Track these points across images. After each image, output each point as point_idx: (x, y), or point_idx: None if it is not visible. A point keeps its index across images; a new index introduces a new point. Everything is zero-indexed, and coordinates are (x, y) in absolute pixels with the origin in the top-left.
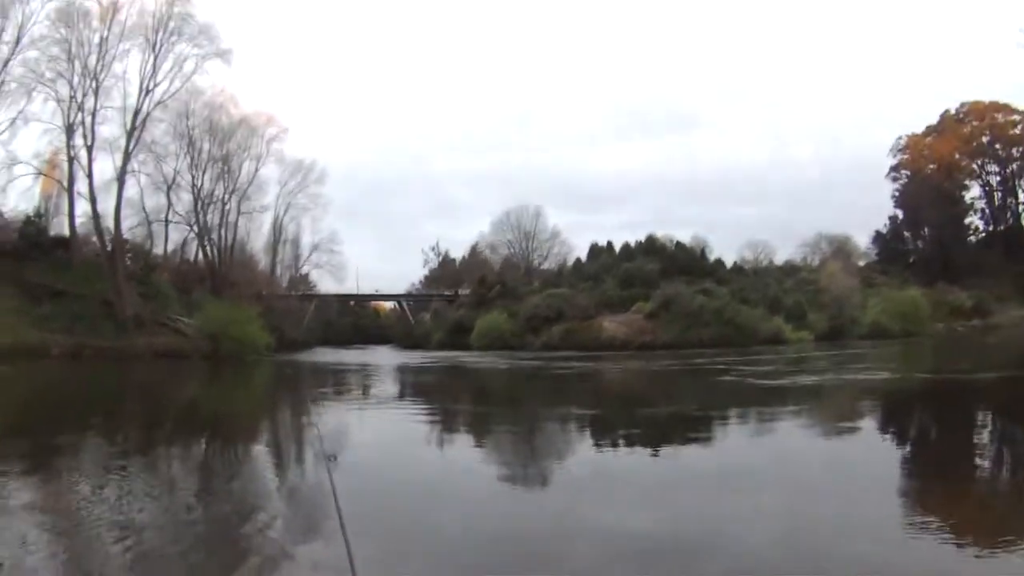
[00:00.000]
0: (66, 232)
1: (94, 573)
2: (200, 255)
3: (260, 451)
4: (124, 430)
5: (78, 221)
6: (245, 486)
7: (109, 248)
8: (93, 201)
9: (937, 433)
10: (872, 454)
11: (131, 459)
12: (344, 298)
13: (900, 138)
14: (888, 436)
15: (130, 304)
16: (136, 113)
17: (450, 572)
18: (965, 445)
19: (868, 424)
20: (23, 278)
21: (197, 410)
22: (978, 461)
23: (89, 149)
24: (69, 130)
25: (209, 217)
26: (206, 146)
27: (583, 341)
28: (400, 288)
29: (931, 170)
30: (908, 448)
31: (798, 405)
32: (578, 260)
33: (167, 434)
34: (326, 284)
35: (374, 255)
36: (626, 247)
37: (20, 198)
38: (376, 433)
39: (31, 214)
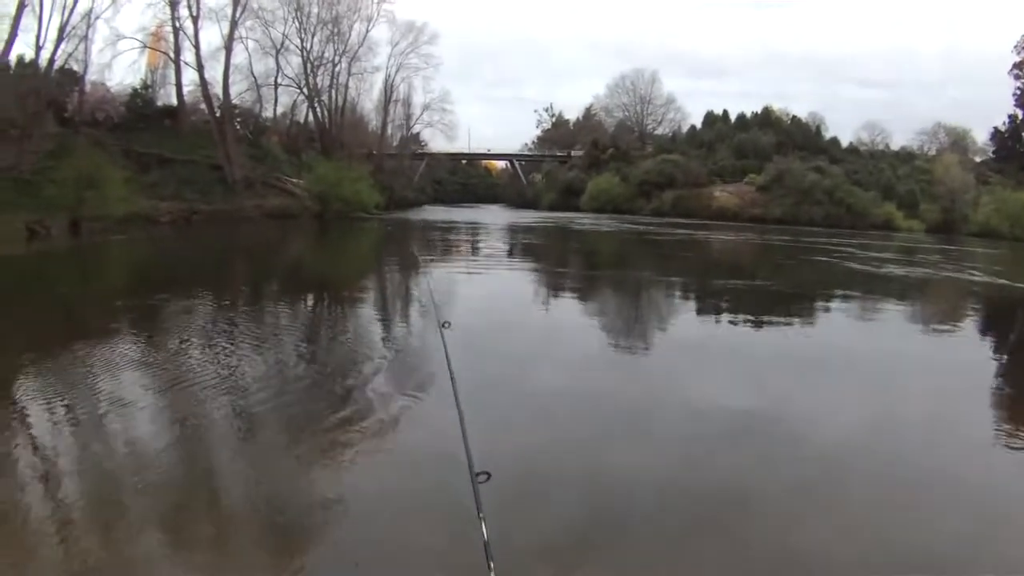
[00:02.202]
0: (174, 102)
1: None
2: (310, 117)
3: (371, 311)
4: (237, 289)
5: (186, 90)
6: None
7: (218, 114)
8: (200, 69)
9: None
10: (967, 359)
11: (249, 316)
12: (455, 157)
13: None
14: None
15: (239, 167)
16: None
17: (545, 430)
18: None
19: (971, 328)
20: (132, 149)
21: (309, 270)
22: None
23: (195, 19)
24: (173, 2)
25: (319, 79)
26: (315, 9)
27: (693, 209)
28: (512, 148)
29: None
30: (1003, 358)
31: (907, 298)
32: (692, 127)
33: (281, 293)
34: (437, 143)
35: (486, 115)
36: (741, 117)
37: (126, 72)
38: (484, 293)
39: (137, 87)
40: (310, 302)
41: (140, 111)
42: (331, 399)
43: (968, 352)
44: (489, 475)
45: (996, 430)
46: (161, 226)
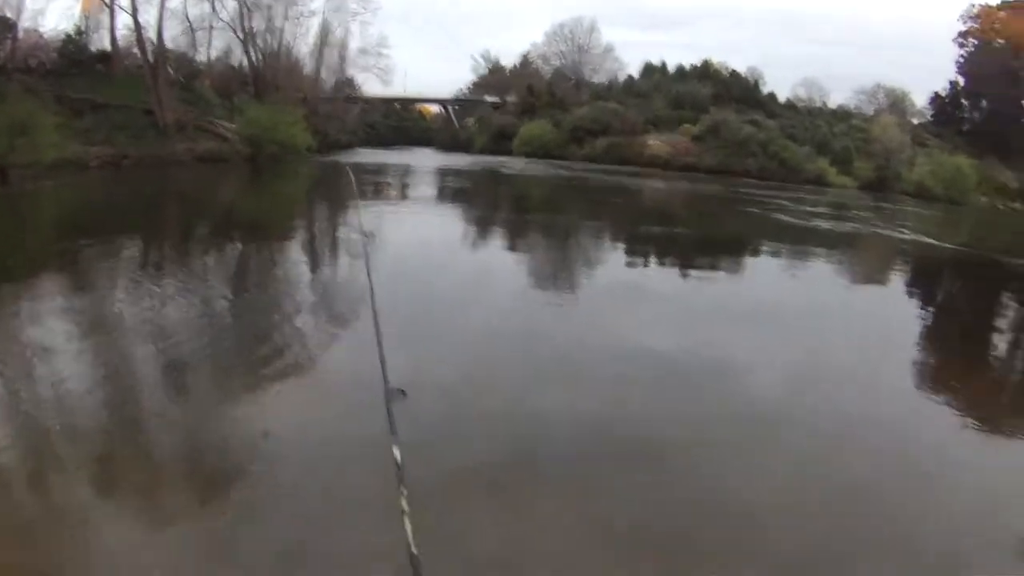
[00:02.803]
0: (108, 47)
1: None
2: (244, 61)
3: (300, 253)
4: (166, 233)
5: (120, 35)
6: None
7: (151, 59)
8: (135, 12)
9: (960, 307)
10: (893, 313)
11: (178, 259)
12: (389, 101)
13: (973, 5)
14: (915, 299)
15: (171, 111)
16: None
17: (469, 366)
18: (987, 325)
19: (897, 284)
20: (65, 95)
21: (239, 213)
22: (995, 344)
23: None
24: None
25: (254, 23)
26: None
27: (626, 156)
28: (447, 93)
29: (1000, 45)
30: (932, 315)
31: (836, 252)
32: (630, 77)
33: (210, 236)
34: (372, 87)
35: (422, 60)
36: (680, 69)
37: (60, 18)
38: (412, 234)
39: (71, 33)
40: (240, 244)
41: (73, 57)
42: (257, 337)
43: (893, 307)
44: (404, 393)
45: (917, 381)
46: (92, 171)
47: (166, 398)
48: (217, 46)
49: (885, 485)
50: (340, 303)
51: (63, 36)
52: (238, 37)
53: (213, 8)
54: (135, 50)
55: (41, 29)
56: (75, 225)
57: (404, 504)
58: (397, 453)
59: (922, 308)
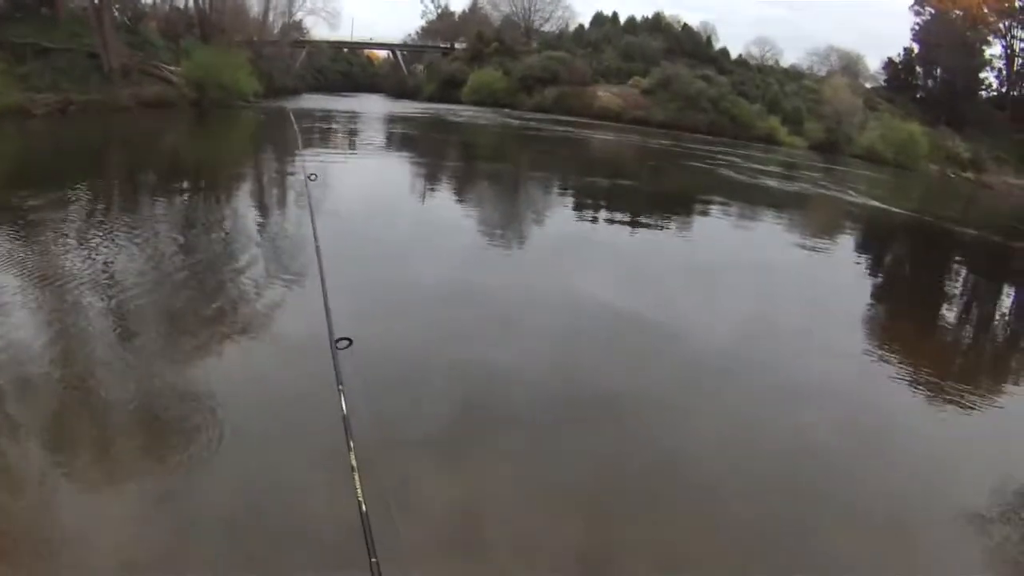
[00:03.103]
0: None
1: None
2: (190, 3)
3: (247, 201)
4: (112, 182)
5: None
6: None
7: (96, 0)
8: None
9: (908, 272)
10: (833, 270)
11: (124, 210)
12: (337, 45)
13: None
14: (853, 257)
15: (116, 55)
16: None
17: (415, 317)
18: (936, 290)
19: (840, 242)
20: (6, 40)
21: (186, 160)
22: (942, 310)
23: None
24: None
25: None
26: None
27: (576, 107)
28: (396, 38)
29: (956, 16)
30: (878, 277)
31: (783, 210)
32: (580, 27)
33: (156, 185)
34: (320, 31)
35: (370, 4)
36: (631, 20)
37: None
38: (358, 183)
39: None
40: (186, 193)
41: (16, 0)
42: (204, 290)
43: (841, 269)
44: (351, 341)
45: (866, 343)
46: (36, 119)
47: (117, 351)
48: None
49: (832, 447)
50: (285, 254)
51: None
52: None
53: None
54: None
55: None
56: (19, 175)
57: (353, 460)
58: (344, 405)
59: (871, 271)
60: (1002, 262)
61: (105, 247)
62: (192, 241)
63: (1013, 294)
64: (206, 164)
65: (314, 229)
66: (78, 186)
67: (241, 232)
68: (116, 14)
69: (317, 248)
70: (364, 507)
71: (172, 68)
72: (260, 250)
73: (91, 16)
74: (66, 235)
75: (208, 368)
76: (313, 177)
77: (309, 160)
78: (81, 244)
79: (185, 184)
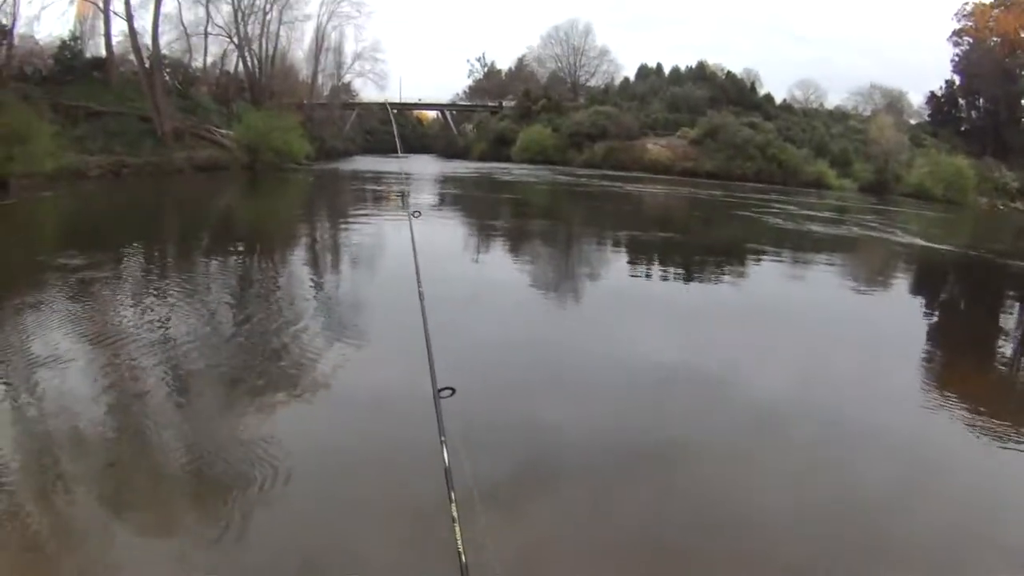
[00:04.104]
0: (102, 53)
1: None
2: (240, 67)
3: (304, 263)
4: (168, 244)
5: (115, 40)
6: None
7: (147, 64)
8: (130, 18)
9: (960, 310)
10: (892, 315)
11: (182, 272)
12: (386, 107)
13: (967, 3)
14: (912, 300)
15: (168, 118)
16: None
17: (476, 375)
18: (990, 328)
19: (897, 286)
20: (60, 103)
21: (241, 223)
22: (998, 347)
23: None
24: None
25: (249, 28)
26: None
27: (625, 161)
28: (444, 98)
29: (994, 43)
30: (933, 318)
31: (834, 256)
32: (626, 79)
33: (211, 247)
34: (369, 93)
35: (418, 64)
36: (675, 71)
37: (55, 24)
38: (410, 243)
39: (66, 39)
40: (243, 256)
41: (69, 63)
42: (274, 349)
43: (895, 311)
44: (453, 390)
45: (922, 384)
46: (90, 180)
47: (193, 410)
48: (213, 51)
49: (893, 492)
50: (347, 311)
51: (59, 43)
52: (233, 42)
53: (208, 13)
54: (131, 56)
55: (36, 35)
56: (75, 236)
57: (454, 510)
58: (446, 457)
59: (924, 312)
60: None
61: (164, 307)
62: (253, 304)
63: None
64: (261, 226)
65: (417, 270)
66: (135, 248)
67: (299, 295)
68: (167, 78)
69: (420, 294)
70: (464, 558)
71: (224, 132)
72: (325, 306)
73: (142, 80)
74: (125, 294)
75: (279, 421)
76: (417, 214)
77: (366, 222)
78: (146, 304)
79: (241, 248)
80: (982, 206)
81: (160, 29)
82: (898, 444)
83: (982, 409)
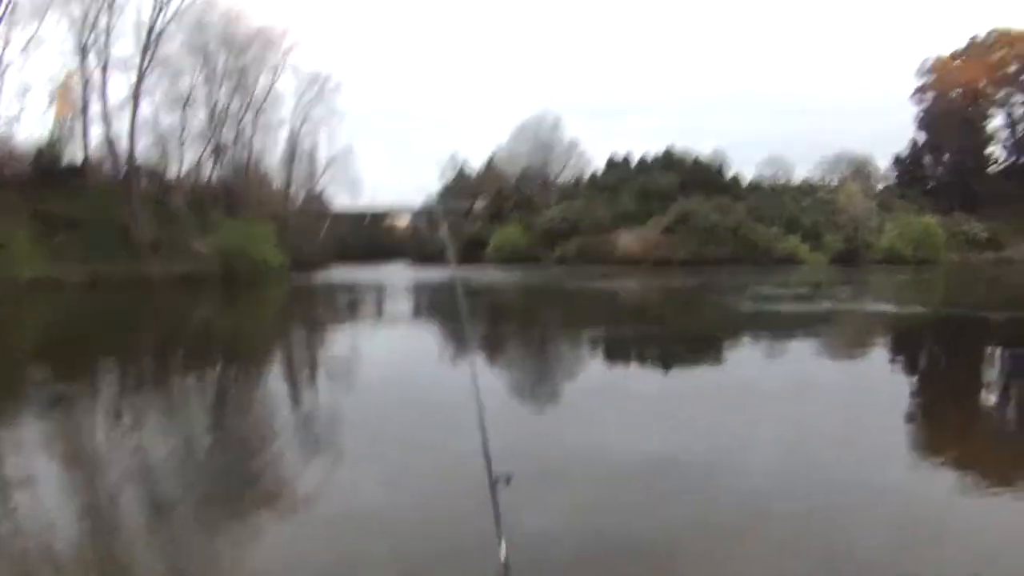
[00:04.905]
0: (80, 157)
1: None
2: (215, 174)
3: (282, 376)
4: (142, 361)
5: (93, 144)
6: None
7: (124, 172)
8: (107, 124)
9: (938, 371)
10: (875, 384)
11: (158, 386)
12: (360, 214)
13: (927, 60)
14: (891, 367)
15: (146, 228)
16: (150, 29)
17: (459, 485)
18: (970, 384)
19: (876, 355)
20: (38, 209)
21: (218, 336)
22: (980, 403)
23: (103, 69)
24: (83, 51)
25: (225, 133)
26: (221, 60)
27: (599, 255)
28: (415, 202)
29: (956, 95)
30: (911, 381)
31: (813, 330)
32: (594, 173)
33: (188, 361)
34: (341, 199)
35: (389, 168)
36: (643, 160)
37: (34, 125)
38: (388, 353)
39: (45, 142)
40: (220, 370)
41: (46, 169)
42: (255, 468)
43: (870, 382)
44: (508, 480)
45: (905, 446)
46: (67, 291)
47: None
48: (189, 158)
49: (887, 558)
50: (338, 434)
51: (37, 147)
52: (209, 149)
53: (184, 119)
54: (108, 162)
55: (15, 136)
56: (51, 349)
57: None
58: (503, 552)
59: (903, 378)
60: None
61: (141, 424)
62: (233, 422)
63: None
64: (239, 340)
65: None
66: (109, 360)
67: (280, 410)
68: (144, 185)
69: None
70: None
71: (201, 242)
72: (303, 420)
73: (119, 188)
74: (102, 411)
75: (263, 547)
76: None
77: (343, 332)
78: (120, 421)
79: (218, 362)
80: (954, 261)
81: (137, 134)
82: (887, 507)
83: (970, 465)
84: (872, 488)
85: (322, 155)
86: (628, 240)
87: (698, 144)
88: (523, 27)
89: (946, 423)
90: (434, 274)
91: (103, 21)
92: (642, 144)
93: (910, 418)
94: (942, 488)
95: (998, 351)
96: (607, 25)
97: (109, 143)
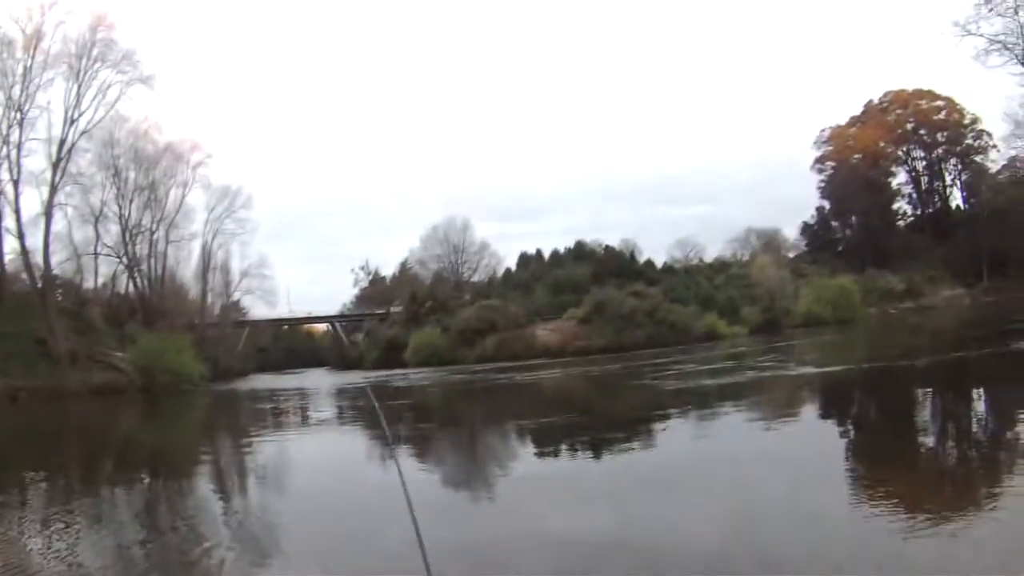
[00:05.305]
0: None
1: None
2: (131, 287)
3: (207, 487)
4: (72, 474)
5: (7, 258)
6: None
7: (39, 284)
8: (21, 237)
9: (873, 422)
10: (808, 445)
11: (85, 501)
12: (277, 322)
13: (824, 130)
14: (823, 425)
15: (63, 341)
16: (61, 144)
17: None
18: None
19: (805, 416)
20: None
21: (141, 448)
22: (920, 444)
23: (15, 183)
24: None
25: (138, 248)
26: (132, 175)
27: (517, 350)
28: (332, 309)
29: (856, 160)
30: (841, 436)
31: (737, 401)
32: (508, 270)
33: (113, 474)
34: (258, 309)
35: (304, 277)
36: (555, 254)
37: None
38: (316, 457)
39: None
40: (145, 483)
41: None
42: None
43: (805, 442)
44: None
45: (848, 498)
46: None
47: None
48: (104, 272)
49: None
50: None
51: None
52: (123, 263)
53: (97, 233)
54: (23, 275)
55: None
56: None
57: None
58: None
59: (838, 434)
60: (957, 376)
61: (69, 541)
62: (161, 537)
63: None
64: (162, 450)
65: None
66: (34, 475)
67: (209, 524)
68: (59, 299)
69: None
70: None
71: (119, 354)
72: (237, 528)
73: (35, 300)
74: (25, 528)
75: None
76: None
77: (268, 440)
78: (55, 531)
79: (142, 475)
80: (874, 316)
81: (51, 248)
82: (838, 557)
83: (916, 507)
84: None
85: (236, 266)
86: (546, 333)
87: (607, 236)
88: (432, 133)
89: (883, 469)
90: (353, 378)
91: (15, 135)
92: (551, 241)
93: (848, 472)
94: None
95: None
96: (511, 127)
97: (24, 256)
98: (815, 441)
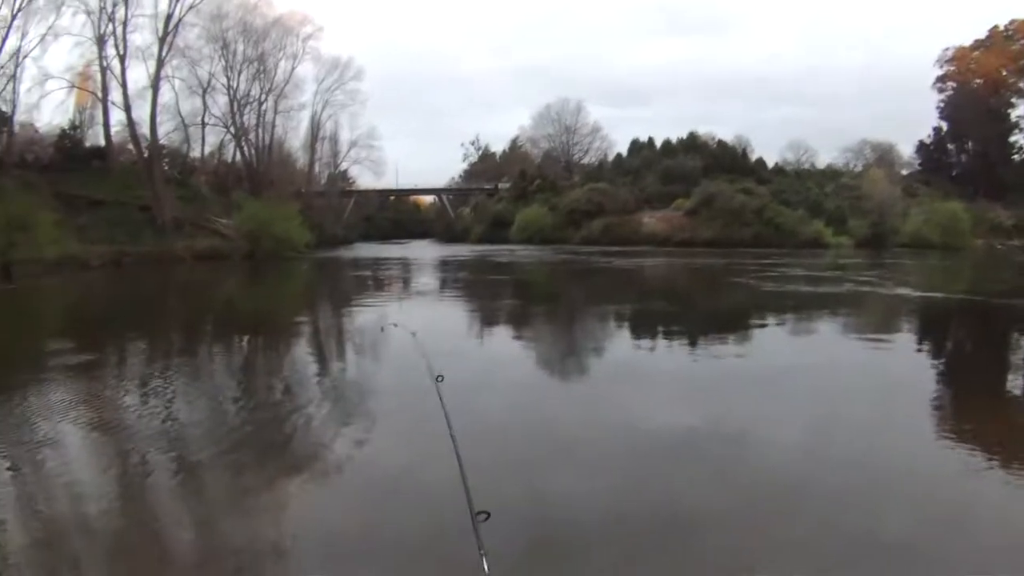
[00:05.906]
0: (102, 142)
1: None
2: (238, 156)
3: (311, 352)
4: (171, 335)
5: (113, 130)
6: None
7: (146, 154)
8: (128, 109)
9: (965, 355)
10: (901, 368)
11: (188, 361)
12: (383, 193)
13: (947, 49)
14: (921, 353)
15: (168, 208)
16: (168, 18)
17: (492, 458)
18: (997, 370)
19: (901, 340)
20: (61, 191)
21: (245, 312)
22: (1009, 386)
23: (122, 58)
24: (100, 41)
25: (246, 118)
26: (240, 48)
27: (623, 236)
28: (440, 182)
29: (977, 84)
30: (937, 367)
31: (836, 314)
32: (619, 155)
33: (216, 336)
34: (365, 179)
35: (413, 150)
36: (667, 143)
37: (54, 112)
38: (420, 328)
39: (66, 127)
40: (250, 344)
41: (69, 152)
42: (283, 436)
43: (897, 362)
44: (488, 514)
45: (935, 430)
46: (92, 269)
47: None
48: (211, 141)
49: (920, 539)
50: (363, 410)
51: (59, 131)
52: (230, 132)
53: (204, 104)
54: (130, 146)
55: (36, 123)
56: (81, 323)
57: None
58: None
59: (930, 361)
60: None
61: (172, 396)
62: (267, 388)
63: None
64: (266, 314)
65: (446, 416)
66: (136, 335)
67: (308, 386)
68: (166, 168)
69: (450, 427)
70: None
71: (224, 221)
72: (332, 392)
73: (141, 170)
74: (129, 385)
75: (291, 510)
76: (440, 378)
77: (374, 308)
78: (155, 388)
79: (247, 337)
80: (980, 247)
81: (158, 119)
82: (918, 490)
83: (997, 449)
84: (899, 474)
85: (345, 136)
86: (652, 221)
87: (719, 129)
88: (548, 12)
89: (970, 408)
90: (458, 251)
91: (120, 12)
92: (662, 130)
93: (936, 404)
94: (966, 469)
95: None
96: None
97: (130, 127)
98: (900, 361)
